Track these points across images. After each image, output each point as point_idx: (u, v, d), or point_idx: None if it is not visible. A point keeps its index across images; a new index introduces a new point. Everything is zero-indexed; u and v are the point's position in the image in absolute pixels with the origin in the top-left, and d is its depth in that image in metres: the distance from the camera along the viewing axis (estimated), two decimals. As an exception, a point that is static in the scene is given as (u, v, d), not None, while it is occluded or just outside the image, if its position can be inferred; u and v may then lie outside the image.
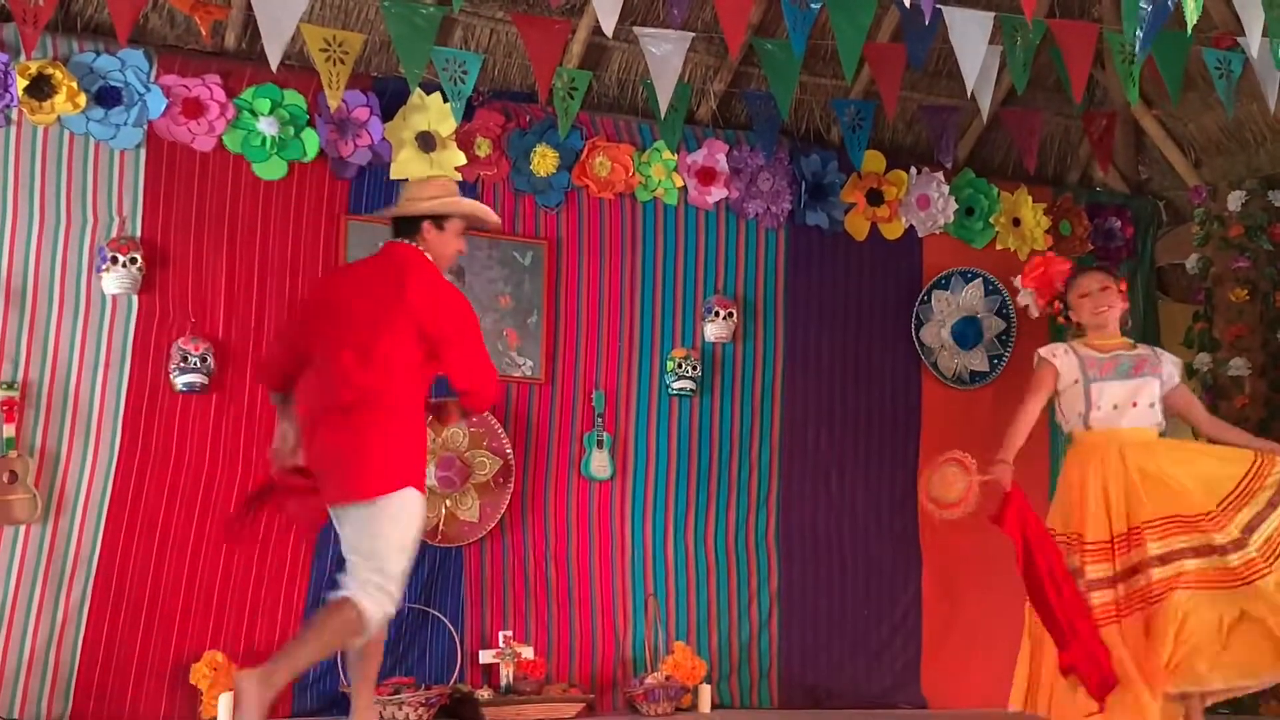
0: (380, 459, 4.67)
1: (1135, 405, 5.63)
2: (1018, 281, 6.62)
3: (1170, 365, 5.82)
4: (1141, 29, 5.61)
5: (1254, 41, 5.87)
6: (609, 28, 5.58)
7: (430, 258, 4.97)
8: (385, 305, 4.78)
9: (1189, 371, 7.90)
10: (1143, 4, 5.47)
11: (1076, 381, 5.71)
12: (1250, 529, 5.36)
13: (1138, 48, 5.68)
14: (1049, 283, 6.26)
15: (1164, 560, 5.37)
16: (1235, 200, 7.76)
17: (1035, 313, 6.52)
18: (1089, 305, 5.84)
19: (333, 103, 6.32)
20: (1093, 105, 8.33)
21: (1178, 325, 8.19)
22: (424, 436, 4.90)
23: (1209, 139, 8.18)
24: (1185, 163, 8.29)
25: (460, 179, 6.90)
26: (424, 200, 5.02)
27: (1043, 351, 5.88)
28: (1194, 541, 5.38)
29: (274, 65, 5.64)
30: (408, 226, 5.02)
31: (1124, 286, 5.93)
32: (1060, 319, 6.19)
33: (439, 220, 5.01)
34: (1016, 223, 8.12)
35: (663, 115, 6.80)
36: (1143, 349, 5.83)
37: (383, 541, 4.66)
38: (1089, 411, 5.67)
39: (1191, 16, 4.87)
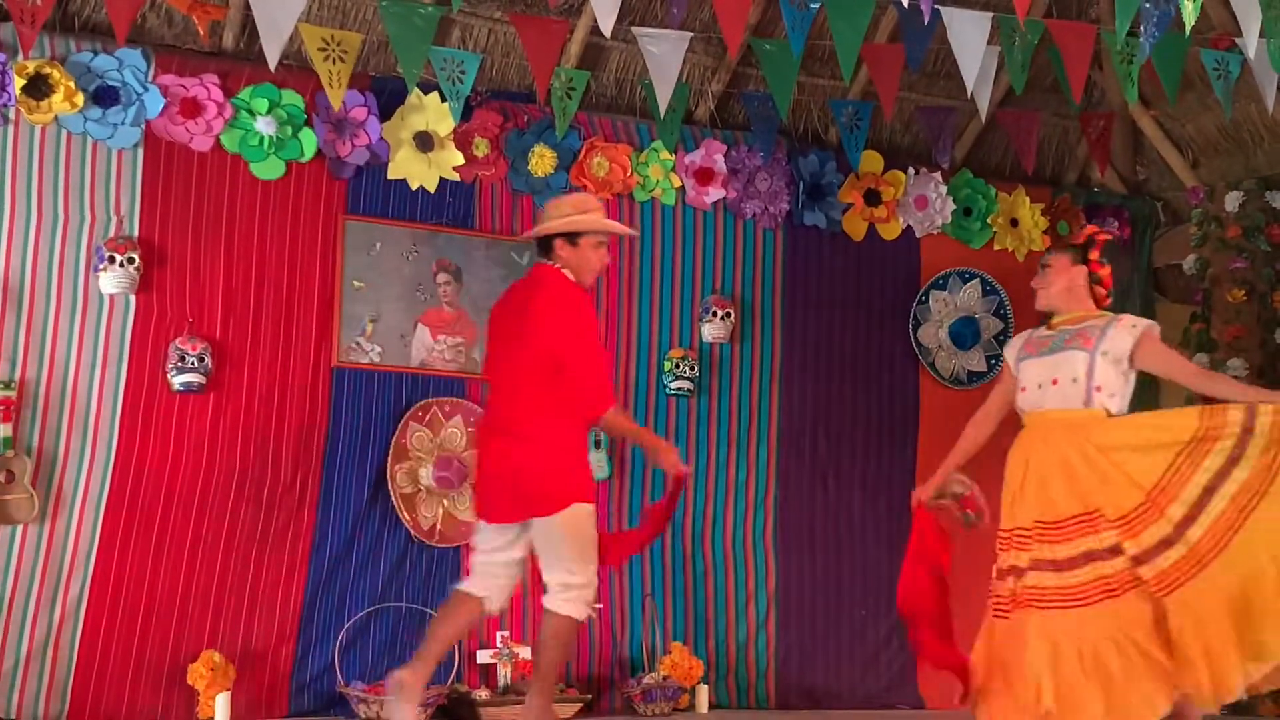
0: (535, 481, 4.97)
1: (1055, 383, 5.08)
2: None
3: (1121, 331, 5.12)
4: (1145, 30, 5.61)
5: (1251, 42, 5.86)
6: (607, 28, 5.55)
7: (568, 273, 5.13)
8: (517, 326, 5.07)
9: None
10: (1146, 4, 5.46)
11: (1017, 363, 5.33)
12: (1188, 520, 4.76)
13: (1145, 49, 5.66)
14: None
15: (1060, 567, 4.92)
16: (1233, 201, 7.76)
17: None
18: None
19: (335, 102, 6.31)
20: (1090, 106, 8.33)
21: (1175, 326, 8.18)
22: (578, 452, 5.11)
23: (1206, 140, 8.18)
24: (1183, 163, 8.29)
25: (458, 178, 6.93)
26: (555, 219, 5.17)
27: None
28: (1106, 543, 4.87)
29: (272, 65, 5.63)
30: (545, 245, 5.19)
31: (1095, 254, 5.33)
32: None
33: (571, 237, 5.14)
34: (1014, 223, 8.13)
35: (662, 115, 6.79)
36: (1095, 320, 5.20)
37: (564, 548, 4.98)
38: (1018, 394, 5.26)
39: (1190, 18, 4.87)
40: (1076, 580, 4.87)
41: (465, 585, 5.19)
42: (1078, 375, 5.06)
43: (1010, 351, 5.40)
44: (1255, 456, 4.79)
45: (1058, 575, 4.91)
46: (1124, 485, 4.90)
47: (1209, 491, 4.79)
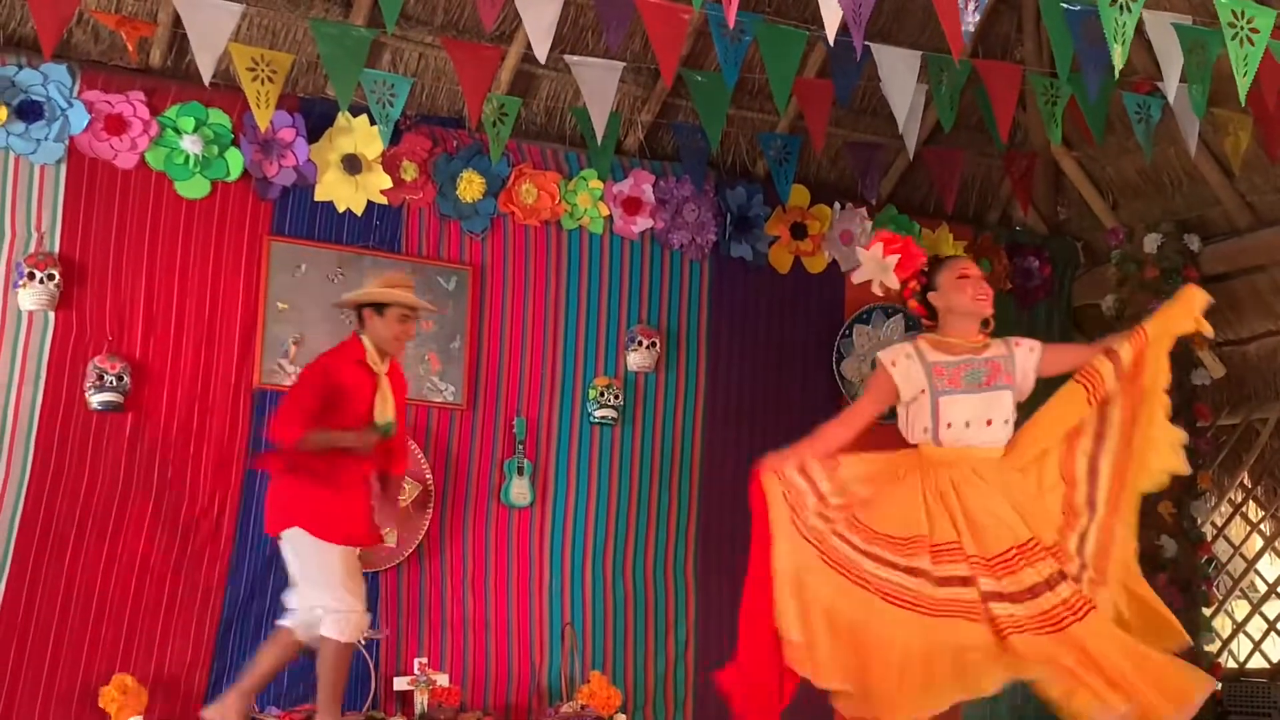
0: None
1: (989, 424, 4.76)
2: (867, 249, 5.06)
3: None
4: (1085, 74, 5.69)
5: (1171, 87, 5.96)
6: (542, 54, 5.56)
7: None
8: None
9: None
10: (1079, 49, 5.55)
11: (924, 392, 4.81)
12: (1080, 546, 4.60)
13: (1091, 92, 5.74)
14: (913, 257, 4.95)
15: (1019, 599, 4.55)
16: (1151, 243, 7.86)
17: (894, 285, 4.98)
18: (970, 289, 4.83)
19: (262, 123, 6.28)
20: (1013, 146, 8.44)
21: (1093, 365, 8.29)
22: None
23: (1126, 182, 8.31)
24: (1103, 205, 8.42)
25: (386, 202, 6.91)
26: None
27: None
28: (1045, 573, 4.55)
29: (206, 80, 5.62)
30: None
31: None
32: (913, 303, 5.02)
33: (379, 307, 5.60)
34: (937, 260, 8.21)
35: (599, 142, 6.80)
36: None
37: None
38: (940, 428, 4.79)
39: (1119, 61, 4.93)
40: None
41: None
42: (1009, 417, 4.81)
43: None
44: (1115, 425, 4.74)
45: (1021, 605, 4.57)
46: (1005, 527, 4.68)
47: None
